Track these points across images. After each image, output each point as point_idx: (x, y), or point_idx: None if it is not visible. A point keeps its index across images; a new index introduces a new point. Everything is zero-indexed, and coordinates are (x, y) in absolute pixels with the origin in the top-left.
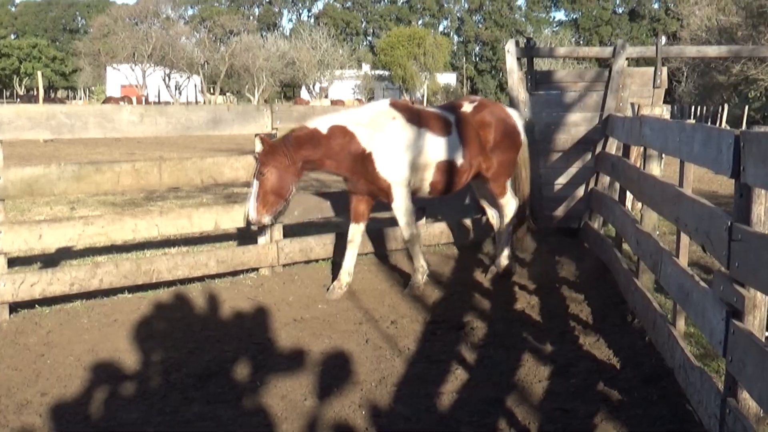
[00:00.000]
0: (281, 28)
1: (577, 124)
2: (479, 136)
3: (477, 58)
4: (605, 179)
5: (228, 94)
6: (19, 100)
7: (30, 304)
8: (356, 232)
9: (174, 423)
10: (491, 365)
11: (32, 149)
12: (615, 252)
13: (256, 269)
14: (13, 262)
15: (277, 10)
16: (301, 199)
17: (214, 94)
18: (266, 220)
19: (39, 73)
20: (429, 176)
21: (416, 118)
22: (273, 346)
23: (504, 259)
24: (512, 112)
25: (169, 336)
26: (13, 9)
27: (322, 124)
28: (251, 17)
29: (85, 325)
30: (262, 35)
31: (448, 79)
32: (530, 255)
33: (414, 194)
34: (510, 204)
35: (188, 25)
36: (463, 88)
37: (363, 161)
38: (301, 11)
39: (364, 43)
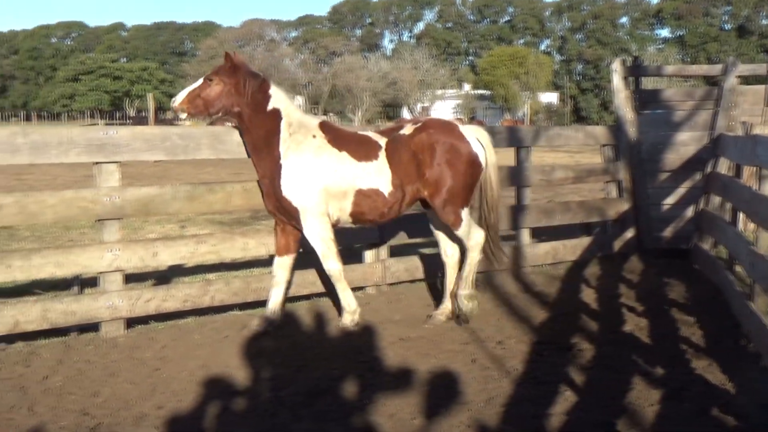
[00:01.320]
0: (383, 49)
1: (686, 143)
2: (416, 161)
3: (579, 77)
4: (716, 200)
5: (330, 114)
6: (130, 121)
7: (145, 319)
8: (278, 266)
9: None
10: (600, 388)
11: (142, 169)
12: (727, 274)
13: (362, 288)
14: (127, 279)
15: (378, 31)
16: (409, 219)
17: (317, 114)
18: (183, 115)
19: (150, 95)
20: (348, 205)
21: (339, 140)
22: (380, 365)
23: (463, 300)
24: (466, 132)
25: (277, 353)
26: (124, 34)
27: (284, 104)
28: (353, 38)
29: (197, 341)
30: (364, 56)
31: (550, 98)
32: (638, 276)
33: (334, 225)
34: (472, 235)
35: (291, 46)
36: (566, 107)
37: (272, 170)
38: (402, 32)
39: (466, 63)
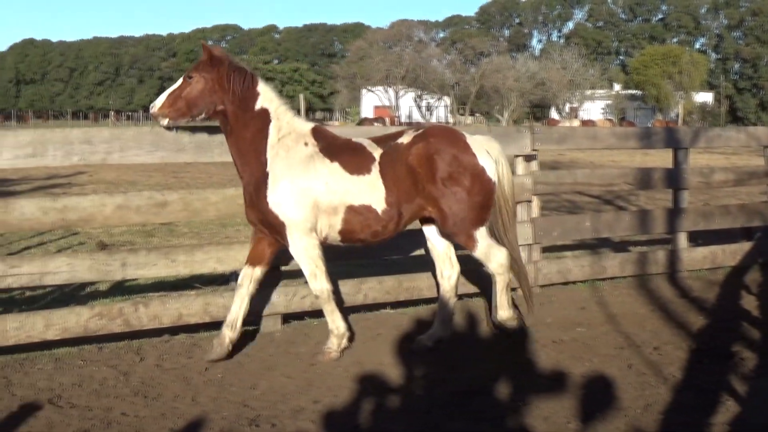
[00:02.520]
0: (531, 49)
1: None
2: (413, 175)
3: (736, 76)
4: None
5: (477, 114)
6: None
7: (300, 315)
8: (245, 276)
9: None
10: (765, 398)
11: None
12: None
13: (514, 289)
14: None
15: (526, 31)
16: (559, 220)
17: (464, 114)
18: (164, 122)
19: (301, 96)
20: (338, 222)
21: (332, 149)
22: (533, 367)
23: (506, 324)
24: (473, 142)
25: (430, 352)
26: (277, 36)
27: (274, 104)
28: (501, 39)
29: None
30: (511, 56)
31: (704, 98)
32: None
33: (322, 242)
34: (493, 257)
35: (439, 47)
36: (721, 108)
37: (258, 178)
38: (551, 32)
39: (616, 63)
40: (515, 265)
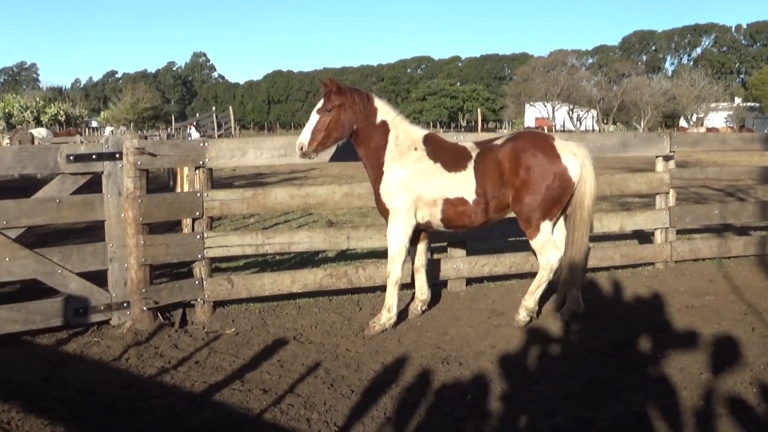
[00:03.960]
0: (664, 70)
1: None
2: (500, 170)
3: None
4: None
5: (618, 123)
6: (462, 129)
7: (479, 279)
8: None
9: (594, 381)
10: None
11: None
12: None
13: (652, 264)
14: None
15: (661, 56)
16: (692, 208)
17: (607, 124)
18: (312, 156)
19: (478, 110)
20: (438, 212)
21: (437, 152)
22: (669, 327)
23: (520, 309)
24: (560, 145)
25: (584, 310)
26: (459, 64)
27: (391, 116)
28: (639, 62)
29: (519, 298)
30: (648, 76)
31: None
32: None
33: (428, 228)
34: (545, 254)
35: (588, 70)
36: None
37: (375, 177)
38: (682, 56)
39: (737, 80)
40: (566, 270)
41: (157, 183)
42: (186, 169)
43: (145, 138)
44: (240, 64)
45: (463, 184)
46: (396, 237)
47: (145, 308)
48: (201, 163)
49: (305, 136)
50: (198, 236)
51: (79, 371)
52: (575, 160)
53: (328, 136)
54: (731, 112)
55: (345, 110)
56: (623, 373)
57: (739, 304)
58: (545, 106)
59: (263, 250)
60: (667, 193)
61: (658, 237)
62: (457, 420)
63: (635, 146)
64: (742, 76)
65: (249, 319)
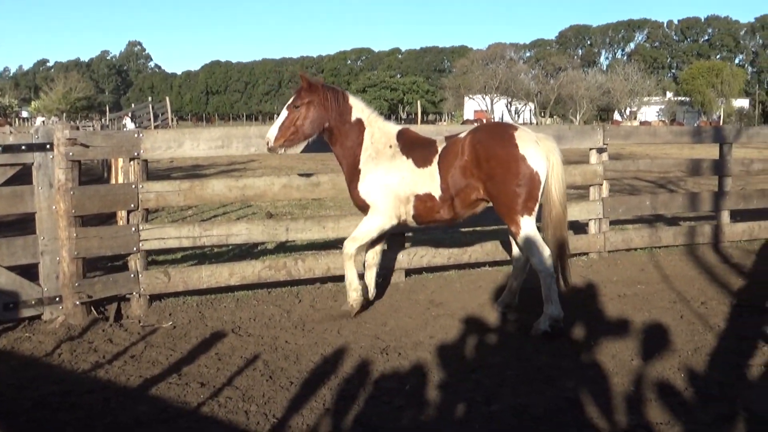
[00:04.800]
0: (599, 65)
1: None
2: (461, 164)
3: None
4: None
5: (555, 116)
6: (402, 121)
7: (419, 270)
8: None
9: (529, 369)
10: None
11: None
12: None
13: (586, 254)
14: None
15: (596, 50)
16: (624, 199)
17: (544, 117)
18: (280, 151)
19: (418, 102)
20: (410, 208)
21: (409, 148)
22: (602, 315)
23: (545, 321)
24: (522, 136)
25: (520, 300)
26: (399, 56)
27: (366, 113)
28: (575, 56)
29: (457, 289)
30: (584, 70)
31: (742, 103)
32: None
33: (405, 225)
34: (534, 254)
35: (526, 64)
36: (755, 111)
37: (351, 174)
38: (616, 50)
39: (669, 75)
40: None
41: (91, 174)
42: (120, 161)
43: (77, 128)
44: (177, 54)
45: (429, 180)
46: (367, 225)
47: (78, 302)
48: (136, 154)
49: (272, 131)
50: (133, 228)
51: (9, 367)
52: (536, 150)
53: (296, 132)
54: (663, 106)
55: (315, 107)
56: (557, 361)
57: (668, 293)
58: (484, 98)
59: (201, 242)
60: (601, 184)
61: (592, 227)
62: (395, 409)
63: (570, 139)
64: (673, 70)
65: (186, 312)
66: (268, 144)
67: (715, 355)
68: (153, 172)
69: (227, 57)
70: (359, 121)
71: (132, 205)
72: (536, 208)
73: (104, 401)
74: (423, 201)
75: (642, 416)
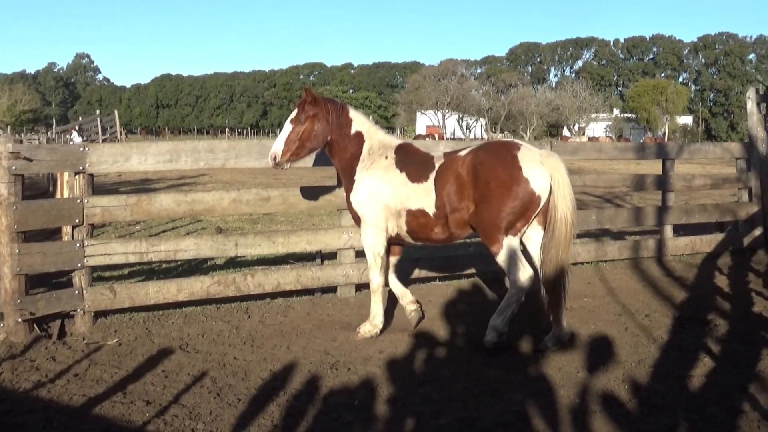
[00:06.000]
0: (549, 82)
1: None
2: (459, 182)
3: (711, 103)
4: None
5: (506, 132)
6: None
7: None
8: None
9: (477, 382)
10: (734, 357)
11: None
12: None
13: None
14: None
15: (546, 67)
16: (597, 210)
17: (495, 132)
18: (286, 166)
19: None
20: (403, 223)
21: (405, 161)
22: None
23: (490, 330)
24: (525, 155)
25: (470, 314)
26: (352, 71)
27: (365, 126)
28: (525, 74)
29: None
30: (534, 87)
31: (685, 120)
32: (765, 267)
33: (400, 240)
34: (513, 271)
35: (477, 80)
36: (699, 128)
37: (347, 185)
38: (565, 68)
39: (616, 92)
40: (550, 285)
41: (37, 189)
42: (66, 175)
43: (21, 142)
44: (127, 67)
45: (424, 196)
46: (370, 245)
47: (20, 320)
48: (81, 168)
49: (278, 146)
50: (78, 244)
51: None
52: (540, 171)
53: (302, 146)
54: (611, 123)
55: (319, 121)
56: (505, 374)
57: (614, 306)
58: (436, 114)
59: (148, 257)
60: None
61: None
62: (344, 425)
63: None
64: (620, 88)
65: (133, 329)
66: (274, 159)
67: (658, 366)
68: (100, 186)
69: (178, 70)
70: (359, 134)
71: (77, 220)
72: (524, 230)
73: (46, 421)
74: (416, 217)
75: (587, 428)
